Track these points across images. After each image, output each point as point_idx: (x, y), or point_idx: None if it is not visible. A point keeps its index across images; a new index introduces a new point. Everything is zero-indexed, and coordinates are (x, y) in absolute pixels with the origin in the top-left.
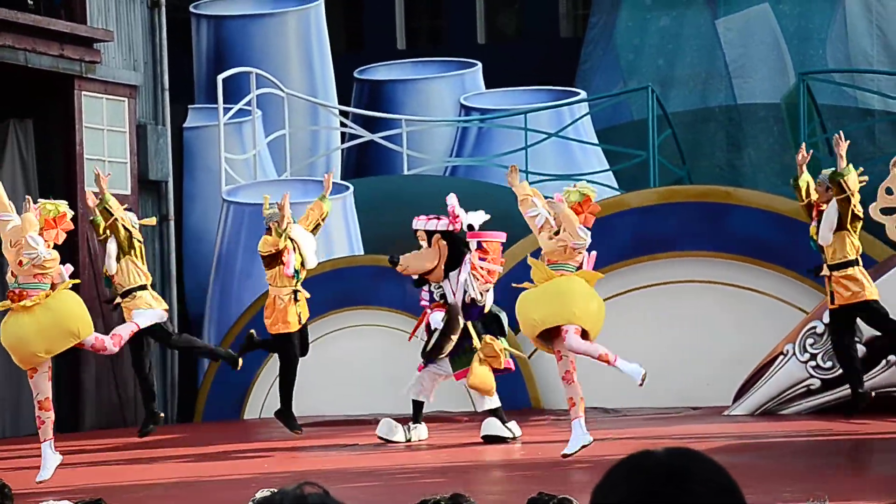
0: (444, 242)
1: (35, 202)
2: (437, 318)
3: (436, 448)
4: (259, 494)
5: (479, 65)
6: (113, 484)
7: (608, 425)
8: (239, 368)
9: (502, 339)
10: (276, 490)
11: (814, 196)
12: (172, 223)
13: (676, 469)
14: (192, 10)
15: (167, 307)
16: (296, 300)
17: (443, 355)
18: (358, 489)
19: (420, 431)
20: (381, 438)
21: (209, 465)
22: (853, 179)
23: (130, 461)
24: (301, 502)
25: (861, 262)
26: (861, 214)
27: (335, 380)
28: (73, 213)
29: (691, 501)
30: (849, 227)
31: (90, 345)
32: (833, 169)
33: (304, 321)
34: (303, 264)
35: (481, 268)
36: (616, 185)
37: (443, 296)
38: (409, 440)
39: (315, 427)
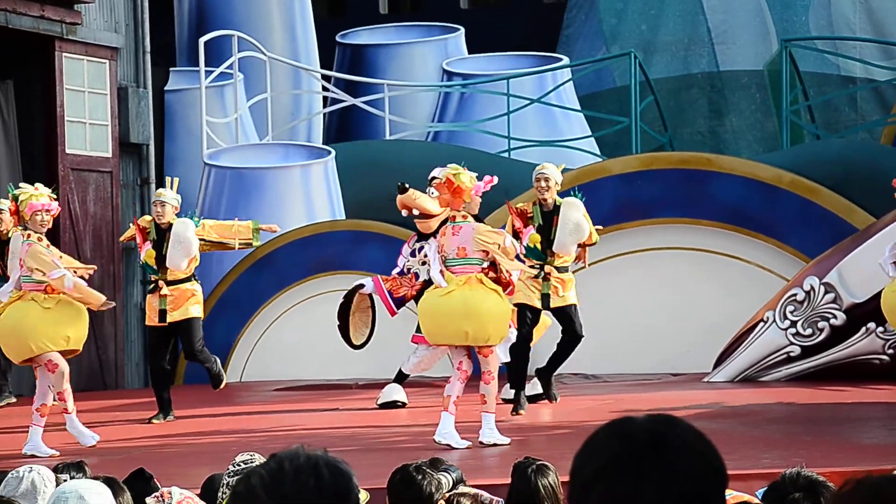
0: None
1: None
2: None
3: (416, 413)
4: (239, 458)
5: (462, 30)
6: (93, 446)
7: (589, 391)
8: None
9: None
10: (275, 454)
11: None
12: (153, 186)
13: (657, 435)
14: None
15: None
16: (158, 293)
17: None
18: (338, 454)
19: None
20: (382, 405)
21: (189, 428)
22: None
23: (111, 424)
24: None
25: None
26: None
27: (315, 344)
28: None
29: (671, 467)
30: None
31: (48, 360)
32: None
33: (168, 320)
34: (165, 258)
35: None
36: (598, 152)
37: (425, 256)
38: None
39: (295, 391)
